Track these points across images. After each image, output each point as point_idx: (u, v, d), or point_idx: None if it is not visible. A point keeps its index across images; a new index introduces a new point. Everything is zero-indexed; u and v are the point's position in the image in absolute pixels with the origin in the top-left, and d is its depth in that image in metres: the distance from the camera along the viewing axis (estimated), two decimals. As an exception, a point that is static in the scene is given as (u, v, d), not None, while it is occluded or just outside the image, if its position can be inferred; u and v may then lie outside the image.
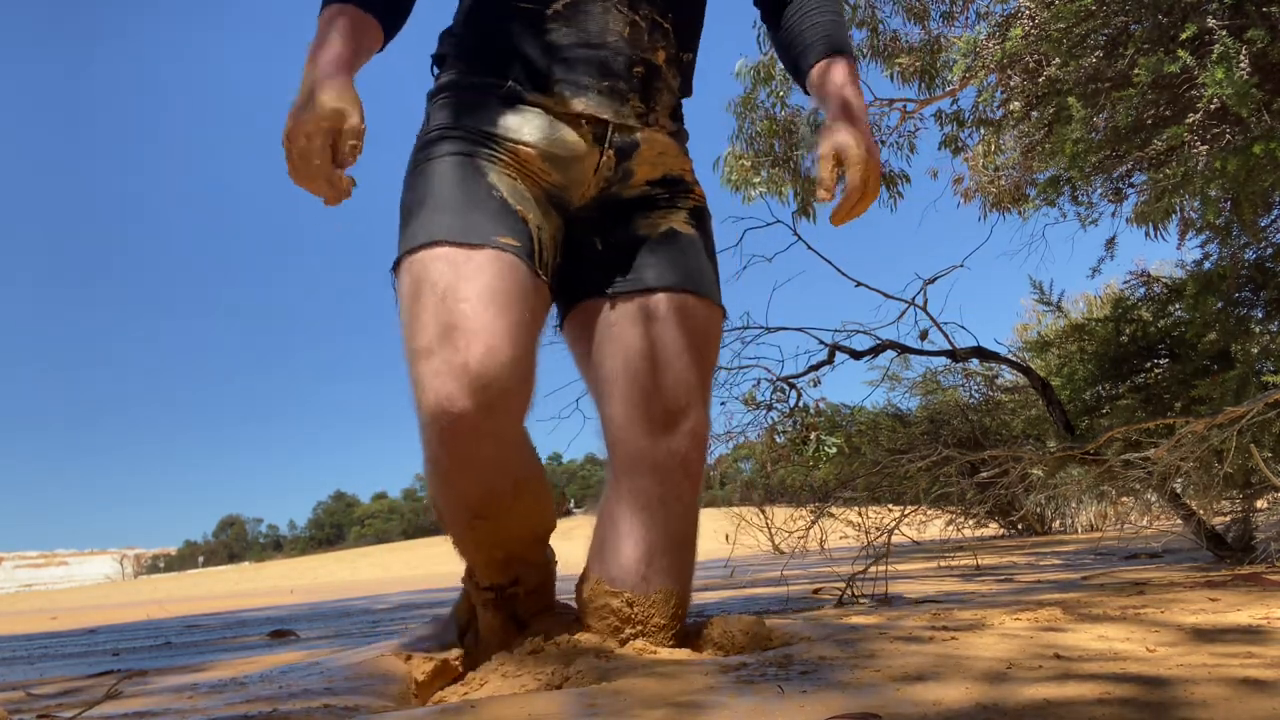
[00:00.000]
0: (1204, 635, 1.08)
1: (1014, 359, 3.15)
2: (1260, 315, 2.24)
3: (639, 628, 1.19)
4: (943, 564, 3.41)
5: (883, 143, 6.08)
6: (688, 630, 1.25)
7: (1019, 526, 6.12)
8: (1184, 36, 1.70)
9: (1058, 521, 6.50)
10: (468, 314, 1.10)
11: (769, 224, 3.04)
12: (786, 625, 1.30)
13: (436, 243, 1.15)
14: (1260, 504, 2.38)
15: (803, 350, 5.72)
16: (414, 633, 1.41)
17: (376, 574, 25.15)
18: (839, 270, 3.03)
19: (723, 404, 3.62)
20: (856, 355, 3.21)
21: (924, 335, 3.04)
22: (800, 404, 3.61)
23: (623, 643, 1.17)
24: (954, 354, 3.03)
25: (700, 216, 1.39)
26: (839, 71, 1.28)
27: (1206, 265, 2.31)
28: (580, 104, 1.24)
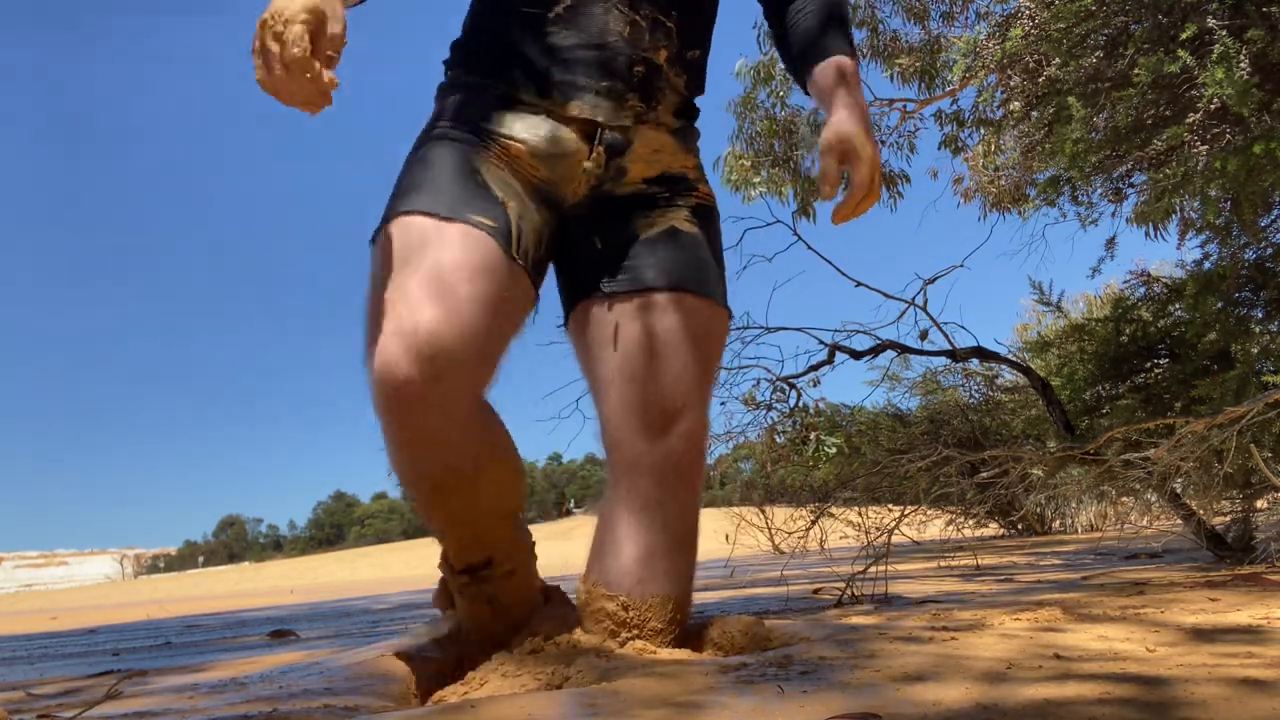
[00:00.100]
0: (1204, 635, 1.08)
1: (1014, 359, 3.15)
2: (1260, 315, 2.24)
3: (635, 631, 1.19)
4: (943, 564, 3.41)
5: (883, 143, 6.09)
6: (687, 631, 1.25)
7: (1019, 526, 6.12)
8: (1184, 36, 1.70)
9: (1058, 521, 6.50)
10: (425, 281, 1.10)
11: (769, 224, 3.04)
12: (786, 625, 1.29)
13: (411, 213, 1.17)
14: (1260, 504, 2.38)
15: (803, 350, 5.72)
16: (413, 632, 1.41)
17: (376, 574, 25.15)
18: (839, 270, 3.03)
19: (723, 404, 3.62)
20: (856, 355, 3.21)
21: (924, 335, 3.04)
22: (800, 404, 3.61)
23: (621, 645, 1.16)
24: (954, 354, 3.03)
25: (705, 215, 1.37)
26: (841, 71, 1.27)
27: (1206, 265, 2.31)
28: (576, 108, 1.24)
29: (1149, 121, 1.90)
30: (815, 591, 2.41)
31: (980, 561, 3.37)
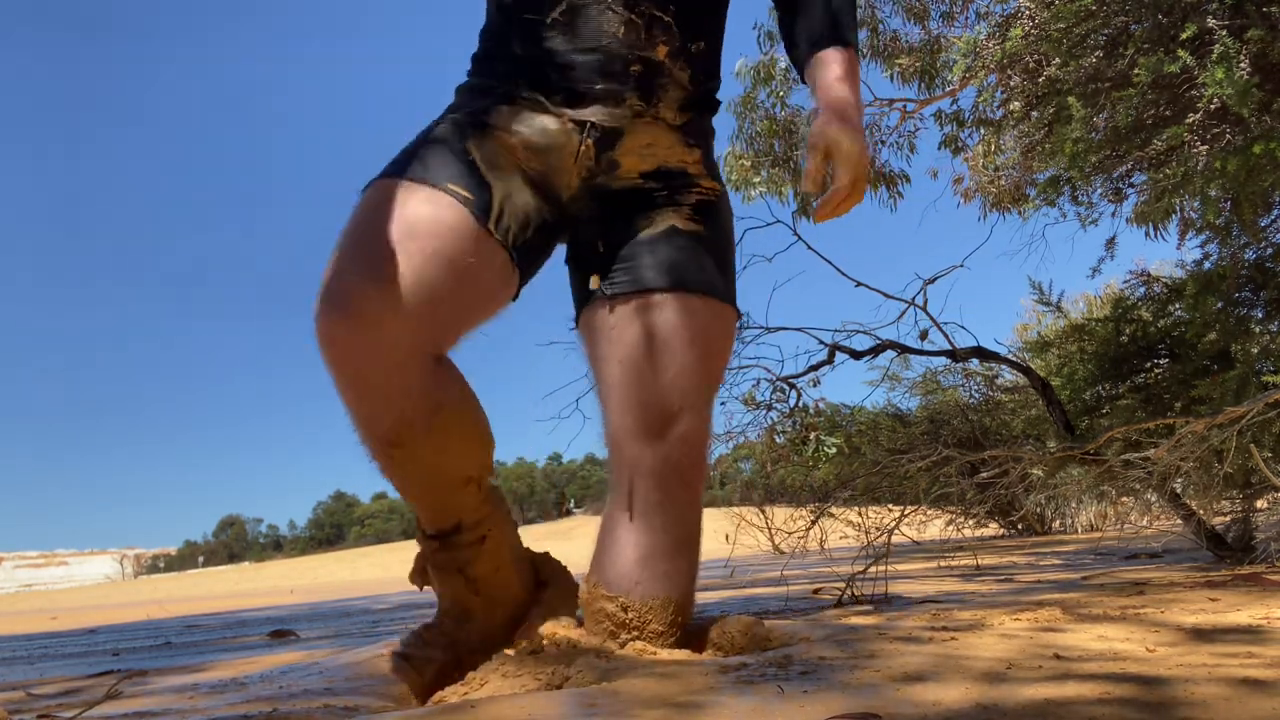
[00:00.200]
0: (1204, 635, 1.08)
1: (1014, 359, 3.15)
2: (1260, 315, 2.23)
3: (635, 633, 1.19)
4: (943, 564, 3.41)
5: (882, 143, 6.09)
6: (688, 631, 1.25)
7: (1019, 526, 6.12)
8: (1184, 36, 1.70)
9: (1058, 521, 6.50)
10: (374, 234, 1.13)
11: (769, 224, 3.03)
12: (786, 625, 1.29)
13: (389, 177, 1.20)
14: (1260, 504, 2.38)
15: (803, 350, 5.71)
16: (409, 634, 1.41)
17: (376, 574, 25.14)
18: (839, 270, 3.03)
19: (723, 404, 3.62)
20: (856, 355, 3.21)
21: (924, 335, 3.03)
22: (800, 404, 3.61)
23: (621, 646, 1.16)
24: (954, 354, 3.03)
25: (708, 211, 1.36)
26: (837, 64, 1.26)
27: (1206, 265, 2.31)
28: (572, 112, 1.25)
29: (1149, 121, 1.90)
30: (815, 591, 2.41)
31: (980, 561, 3.37)
